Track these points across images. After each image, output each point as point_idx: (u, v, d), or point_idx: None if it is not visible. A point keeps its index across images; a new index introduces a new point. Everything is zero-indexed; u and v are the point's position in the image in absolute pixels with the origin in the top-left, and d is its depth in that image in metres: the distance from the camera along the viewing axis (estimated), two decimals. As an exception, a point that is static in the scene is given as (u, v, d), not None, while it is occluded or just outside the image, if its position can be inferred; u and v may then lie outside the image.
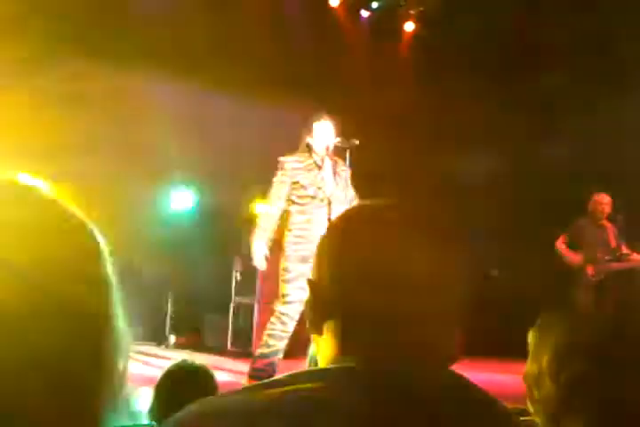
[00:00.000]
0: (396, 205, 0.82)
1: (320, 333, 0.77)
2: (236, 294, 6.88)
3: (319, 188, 4.00)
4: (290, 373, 0.71)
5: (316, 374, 0.71)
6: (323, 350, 0.77)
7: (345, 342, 0.74)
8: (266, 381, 0.71)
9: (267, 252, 4.05)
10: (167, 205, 7.86)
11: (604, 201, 5.54)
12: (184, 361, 1.98)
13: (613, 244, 5.47)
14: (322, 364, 0.77)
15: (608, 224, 5.55)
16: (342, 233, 0.79)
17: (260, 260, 4.07)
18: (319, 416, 0.63)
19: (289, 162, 4.07)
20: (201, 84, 7.33)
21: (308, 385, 0.67)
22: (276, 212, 4.02)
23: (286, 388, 0.67)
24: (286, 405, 0.64)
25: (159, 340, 7.54)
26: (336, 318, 0.75)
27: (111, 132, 6.51)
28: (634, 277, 5.41)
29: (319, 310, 0.77)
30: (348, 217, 0.83)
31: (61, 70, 6.12)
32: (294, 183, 4.00)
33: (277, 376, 0.73)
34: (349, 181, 4.17)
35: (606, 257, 5.38)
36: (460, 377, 0.73)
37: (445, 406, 0.68)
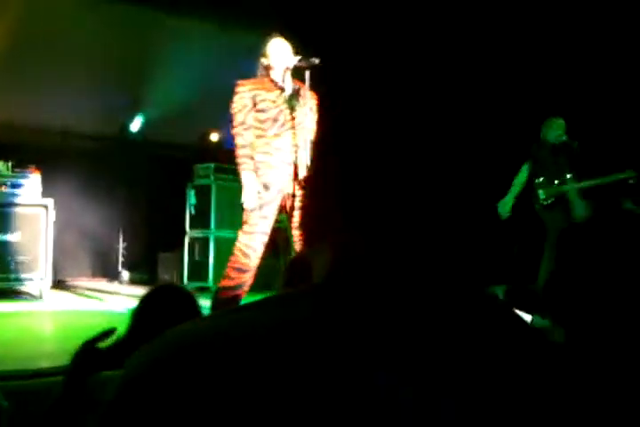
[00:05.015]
0: None
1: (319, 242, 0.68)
2: (190, 228, 6.70)
3: (281, 110, 3.77)
4: (263, 298, 0.61)
5: (288, 297, 0.62)
6: (318, 264, 0.67)
7: (335, 252, 0.65)
8: (236, 307, 0.62)
9: (259, 187, 3.66)
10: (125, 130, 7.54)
11: (561, 125, 5.55)
12: (166, 283, 1.84)
13: (568, 168, 5.53)
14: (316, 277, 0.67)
15: (561, 149, 5.59)
16: None
17: (250, 196, 3.66)
18: (282, 341, 0.54)
19: (246, 84, 3.81)
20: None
21: (279, 308, 0.59)
22: (250, 139, 3.73)
23: (256, 311, 0.59)
24: (259, 328, 0.55)
25: (112, 276, 7.38)
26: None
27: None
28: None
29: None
30: None
31: None
32: (254, 105, 3.76)
33: (248, 302, 0.62)
34: (314, 106, 3.92)
35: (554, 182, 5.49)
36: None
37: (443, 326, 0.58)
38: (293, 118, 3.75)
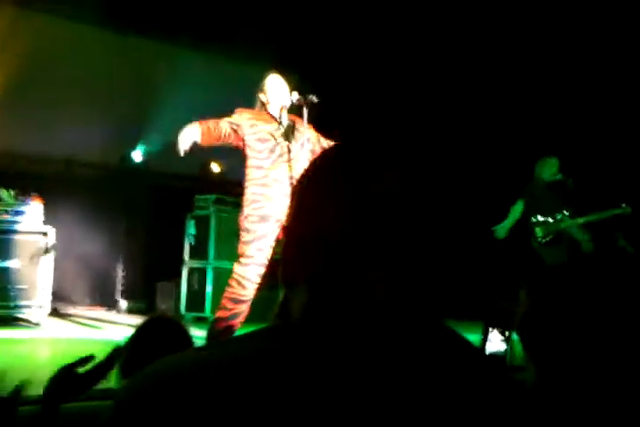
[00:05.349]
0: None
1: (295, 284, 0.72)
2: (188, 258, 6.73)
3: (278, 143, 3.83)
4: (250, 331, 0.68)
5: (272, 332, 0.67)
6: (297, 298, 0.71)
7: (310, 293, 0.69)
8: (224, 340, 0.69)
9: (196, 136, 3.76)
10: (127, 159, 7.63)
11: (555, 164, 5.65)
12: (159, 315, 1.90)
13: (564, 205, 5.60)
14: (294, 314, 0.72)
15: (556, 187, 5.68)
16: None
17: (184, 138, 3.76)
18: (253, 376, 0.59)
19: (245, 112, 3.90)
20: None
21: (260, 343, 0.64)
22: (227, 130, 3.79)
23: (240, 345, 0.65)
24: (237, 363, 0.61)
25: (109, 305, 7.38)
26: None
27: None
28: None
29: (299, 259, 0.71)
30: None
31: None
32: (252, 134, 3.80)
33: (236, 335, 0.70)
34: (314, 139, 4.01)
35: (551, 219, 5.55)
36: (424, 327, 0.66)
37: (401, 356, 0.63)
38: (289, 151, 3.83)
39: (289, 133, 3.87)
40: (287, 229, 0.73)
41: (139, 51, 7.08)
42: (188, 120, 6.88)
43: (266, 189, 3.77)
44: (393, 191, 0.68)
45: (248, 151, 3.82)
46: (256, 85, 4.04)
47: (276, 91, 3.93)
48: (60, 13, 6.61)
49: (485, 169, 6.80)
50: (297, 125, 3.94)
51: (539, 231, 5.56)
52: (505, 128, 6.93)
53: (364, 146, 0.73)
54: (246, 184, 3.82)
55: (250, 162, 3.81)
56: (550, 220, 5.54)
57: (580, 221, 5.47)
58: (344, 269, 0.66)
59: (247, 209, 3.78)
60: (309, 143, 3.92)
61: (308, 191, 0.72)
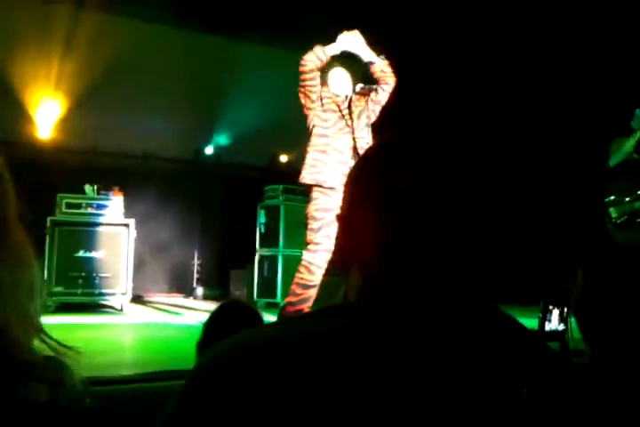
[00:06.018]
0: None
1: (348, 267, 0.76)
2: (259, 246, 6.94)
3: (343, 115, 3.97)
4: (318, 308, 0.71)
5: (336, 309, 0.70)
6: (351, 282, 0.75)
7: (363, 277, 0.73)
8: (289, 318, 0.72)
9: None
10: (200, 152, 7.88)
11: (631, 144, 5.50)
12: (233, 300, 2.02)
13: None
14: (350, 298, 0.75)
15: (631, 167, 5.53)
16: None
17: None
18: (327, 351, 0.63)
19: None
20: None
21: (329, 320, 0.67)
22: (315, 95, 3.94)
23: (309, 322, 0.68)
24: (307, 338, 0.64)
25: (187, 292, 7.70)
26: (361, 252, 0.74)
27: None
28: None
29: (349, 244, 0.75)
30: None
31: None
32: (320, 106, 3.94)
33: (307, 311, 0.73)
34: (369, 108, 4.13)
35: (626, 199, 5.41)
36: (482, 308, 0.69)
37: (457, 335, 0.65)
38: (352, 123, 3.98)
39: (352, 107, 4.01)
40: (340, 218, 0.77)
41: (210, 49, 7.28)
42: (256, 115, 7.13)
43: (324, 155, 3.92)
44: (424, 184, 0.71)
45: (315, 120, 3.95)
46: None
47: (339, 83, 4.04)
48: (139, 16, 6.87)
49: (559, 150, 6.67)
50: (356, 100, 4.07)
51: (613, 212, 5.43)
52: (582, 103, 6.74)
53: (396, 142, 0.77)
54: (308, 149, 3.97)
55: (315, 130, 3.96)
56: (625, 200, 5.41)
57: None
58: (394, 257, 0.69)
59: (304, 172, 3.94)
60: (372, 115, 4.08)
61: (353, 186, 0.77)
